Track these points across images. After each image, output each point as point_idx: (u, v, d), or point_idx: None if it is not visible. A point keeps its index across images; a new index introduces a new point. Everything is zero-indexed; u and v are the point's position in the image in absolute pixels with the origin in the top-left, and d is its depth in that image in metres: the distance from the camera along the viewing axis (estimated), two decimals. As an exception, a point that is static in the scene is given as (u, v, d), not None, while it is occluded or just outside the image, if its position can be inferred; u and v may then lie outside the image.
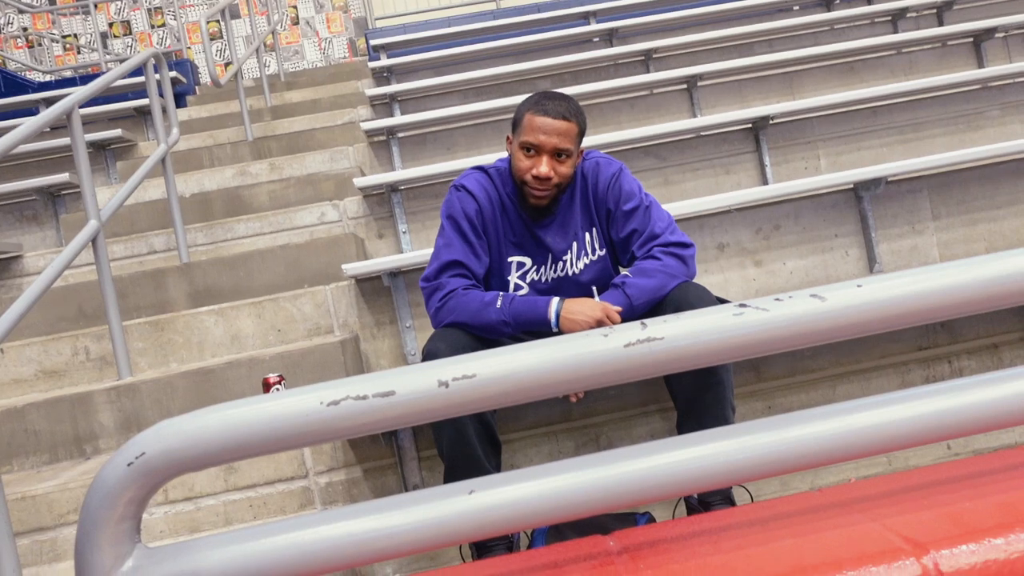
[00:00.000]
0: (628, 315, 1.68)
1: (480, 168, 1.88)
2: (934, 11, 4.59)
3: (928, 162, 2.74)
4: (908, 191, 2.81)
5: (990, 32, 3.91)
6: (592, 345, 0.69)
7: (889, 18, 4.56)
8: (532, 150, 1.72)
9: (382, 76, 5.01)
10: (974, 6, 4.62)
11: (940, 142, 3.35)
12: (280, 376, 2.09)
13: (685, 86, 3.90)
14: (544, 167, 1.70)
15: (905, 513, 0.73)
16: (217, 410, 0.66)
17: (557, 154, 1.71)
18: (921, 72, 3.94)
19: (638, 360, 0.68)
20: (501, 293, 1.71)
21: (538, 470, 0.72)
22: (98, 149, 4.25)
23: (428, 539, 0.67)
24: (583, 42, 5.00)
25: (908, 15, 4.54)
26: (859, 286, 0.71)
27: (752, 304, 0.70)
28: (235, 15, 7.35)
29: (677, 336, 0.69)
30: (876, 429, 0.76)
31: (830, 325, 0.71)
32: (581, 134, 1.77)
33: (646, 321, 0.70)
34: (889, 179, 2.75)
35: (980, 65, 3.95)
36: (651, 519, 1.62)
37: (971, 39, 3.98)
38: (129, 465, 0.63)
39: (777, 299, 0.71)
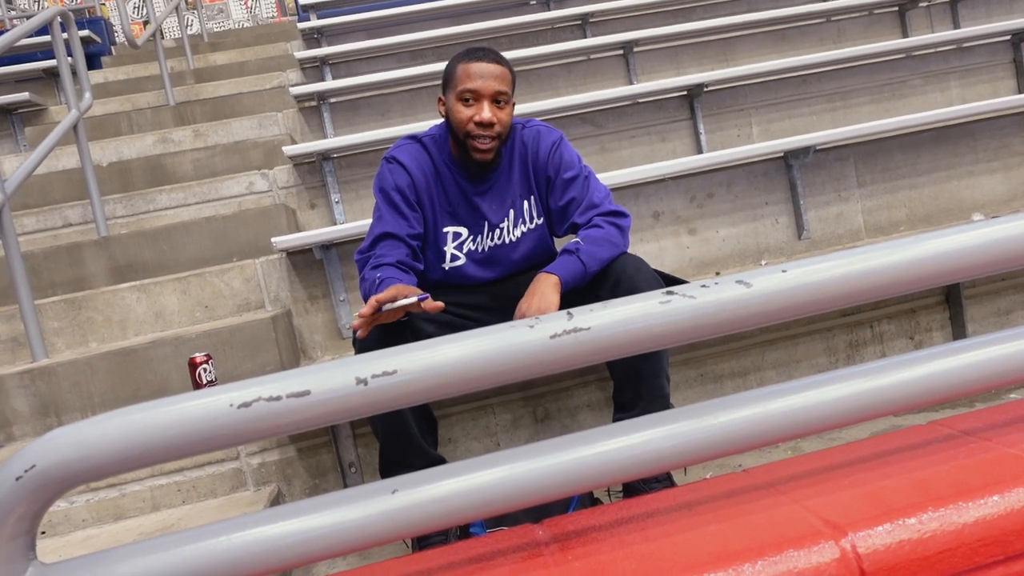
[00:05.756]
0: (581, 281, 1.67)
1: (413, 137, 1.83)
2: (863, -22, 4.67)
3: (855, 131, 2.80)
4: (835, 159, 2.88)
5: (914, 1, 4.01)
6: (517, 337, 0.67)
7: (820, -16, 4.62)
8: (471, 98, 1.69)
9: (312, 37, 4.82)
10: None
11: (866, 110, 3.44)
12: (207, 355, 2.01)
13: (622, 52, 3.88)
14: (486, 112, 1.68)
15: (826, 494, 0.74)
16: (117, 415, 0.62)
17: (496, 100, 1.69)
18: (849, 41, 4.02)
19: (564, 351, 0.67)
20: (380, 273, 1.66)
21: (460, 466, 0.70)
22: (4, 113, 3.97)
23: (351, 541, 0.65)
24: (520, 4, 4.91)
25: (838, -19, 4.60)
26: (784, 271, 0.71)
27: (678, 291, 0.69)
28: (153, -31, 6.90)
29: (603, 326, 0.67)
30: (811, 409, 0.77)
31: (756, 311, 0.70)
32: (514, 84, 1.75)
33: (572, 311, 0.68)
34: (818, 147, 2.80)
35: (904, 34, 4.05)
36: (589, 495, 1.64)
37: (896, 8, 4.07)
38: (18, 479, 0.58)
39: (703, 285, 0.70)
